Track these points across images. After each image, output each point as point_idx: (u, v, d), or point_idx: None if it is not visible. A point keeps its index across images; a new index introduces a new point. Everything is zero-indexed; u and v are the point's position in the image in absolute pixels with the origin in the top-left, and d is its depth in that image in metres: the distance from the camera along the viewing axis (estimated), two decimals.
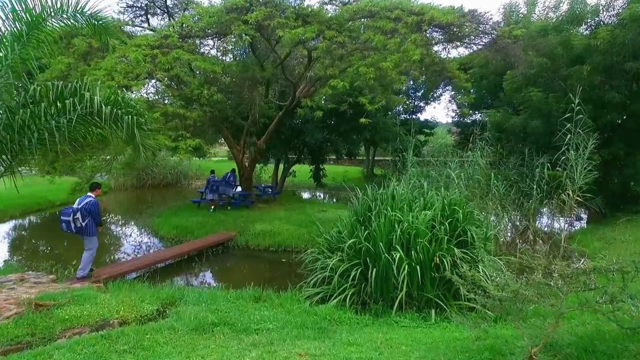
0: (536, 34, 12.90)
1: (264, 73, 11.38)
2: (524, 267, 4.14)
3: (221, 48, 11.81)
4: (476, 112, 20.90)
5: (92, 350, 3.70)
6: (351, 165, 29.79)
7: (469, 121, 21.65)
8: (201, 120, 9.89)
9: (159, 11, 12.14)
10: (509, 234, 10.97)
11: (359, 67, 8.03)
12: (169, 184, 23.22)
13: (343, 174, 23.36)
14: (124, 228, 13.85)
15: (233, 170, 14.72)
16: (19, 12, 4.61)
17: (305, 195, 21.18)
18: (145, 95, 10.72)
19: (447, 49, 10.24)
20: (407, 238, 5.72)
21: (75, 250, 10.33)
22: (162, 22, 12.51)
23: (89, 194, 7.08)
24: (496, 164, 12.35)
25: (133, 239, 11.76)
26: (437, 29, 8.74)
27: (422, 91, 24.46)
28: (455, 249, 5.48)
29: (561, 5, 16.22)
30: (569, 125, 8.99)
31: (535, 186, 10.56)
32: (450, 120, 25.55)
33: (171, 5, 12.19)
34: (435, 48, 10.88)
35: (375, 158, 28.31)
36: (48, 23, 5.10)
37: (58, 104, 4.42)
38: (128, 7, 11.84)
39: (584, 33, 13.69)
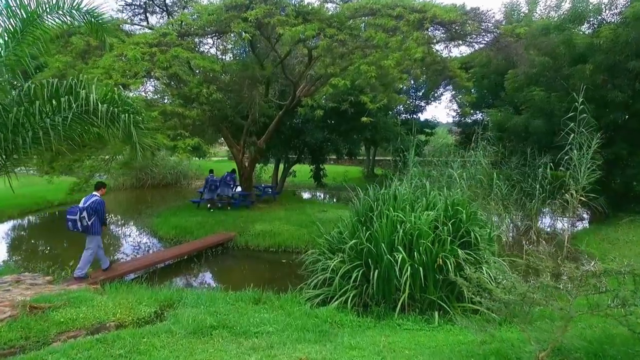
0: (538, 33, 12.80)
1: (263, 72, 11.28)
2: (528, 268, 4.07)
3: (221, 47, 11.71)
4: (477, 112, 20.83)
5: (87, 354, 3.61)
6: (351, 165, 29.70)
7: (469, 121, 21.60)
8: (200, 120, 9.79)
9: (157, 9, 12.05)
10: (511, 235, 10.86)
11: (360, 66, 7.93)
12: (168, 184, 23.13)
13: (343, 173, 23.28)
14: (122, 228, 13.74)
15: (233, 171, 14.61)
16: (13, 7, 4.50)
17: (306, 195, 21.08)
18: (143, 94, 10.60)
19: (448, 48, 10.13)
20: (409, 239, 5.62)
21: (73, 251, 10.22)
22: (161, 21, 12.44)
23: (94, 193, 7.12)
24: (498, 164, 12.25)
25: (132, 240, 11.66)
26: (439, 27, 8.64)
27: (423, 91, 24.35)
28: (458, 250, 5.37)
29: (563, 4, 16.15)
30: (572, 124, 8.90)
31: (537, 186, 10.46)
32: (450, 120, 25.48)
33: (170, 4, 12.11)
34: (437, 47, 10.80)
35: (376, 158, 28.20)
36: (44, 19, 5.01)
37: (53, 102, 4.33)
38: (127, 5, 11.75)
39: (586, 32, 13.61)
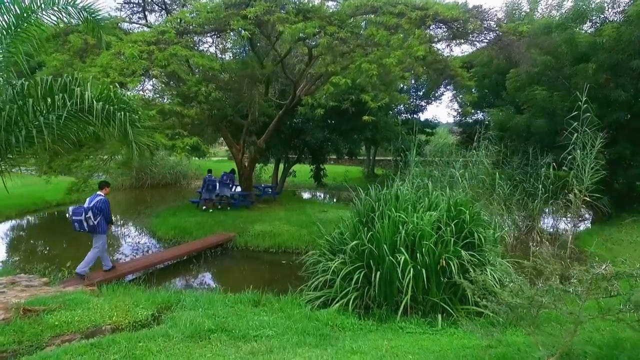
0: (540, 32, 12.70)
1: (263, 70, 11.16)
2: (533, 270, 3.96)
3: (220, 45, 11.61)
4: (478, 112, 20.73)
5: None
6: (352, 165, 29.60)
7: (470, 121, 21.50)
8: (199, 119, 9.68)
9: (156, 8, 11.94)
10: (513, 235, 10.76)
11: (362, 64, 7.82)
12: (168, 184, 23.02)
13: (344, 173, 23.17)
14: (121, 229, 13.63)
15: (232, 171, 14.52)
16: (6, 2, 4.39)
17: (306, 195, 20.98)
18: (142, 93, 10.48)
19: (450, 46, 10.02)
20: (411, 240, 5.51)
21: (70, 252, 10.13)
22: (160, 19, 12.31)
23: (98, 192, 7.12)
24: (499, 164, 12.16)
25: (130, 240, 11.54)
26: (441, 25, 8.53)
27: (423, 90, 24.24)
28: (462, 251, 5.26)
29: (564, 3, 16.06)
30: (575, 123, 8.79)
31: (540, 186, 10.35)
32: (451, 120, 25.37)
33: (169, 2, 11.99)
34: (438, 46, 10.70)
35: (376, 158, 28.10)
36: (39, 16, 4.90)
37: (48, 100, 4.22)
38: (125, 3, 11.63)
39: (589, 31, 13.52)
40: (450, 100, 24.52)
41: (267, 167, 20.55)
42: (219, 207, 13.52)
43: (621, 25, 11.49)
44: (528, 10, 18.42)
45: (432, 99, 25.41)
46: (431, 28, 8.48)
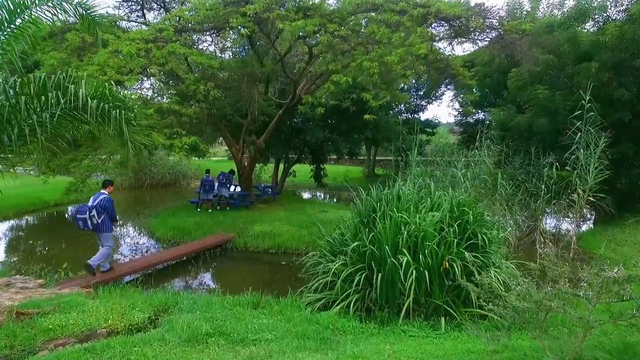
0: (542, 31, 12.59)
1: (263, 69, 11.05)
2: (536, 271, 3.86)
3: (219, 44, 11.50)
4: (479, 111, 20.62)
5: None
6: (352, 165, 29.49)
7: (471, 120, 21.39)
8: (197, 118, 9.56)
9: (155, 6, 11.82)
10: (515, 236, 10.65)
11: (363, 62, 7.70)
12: (167, 184, 22.93)
13: (344, 173, 23.07)
14: (119, 229, 13.52)
15: (231, 171, 14.42)
16: None
17: (306, 195, 20.87)
18: (140, 92, 10.37)
19: (451, 45, 9.91)
20: (414, 241, 5.40)
21: (68, 253, 10.04)
22: (159, 17, 12.18)
23: (102, 191, 7.15)
24: (501, 164, 12.05)
25: (128, 241, 11.44)
26: (443, 22, 8.41)
27: (424, 90, 24.13)
28: (466, 252, 5.15)
29: (566, 1, 15.95)
30: (579, 123, 8.69)
31: (543, 186, 10.24)
32: (451, 119, 25.25)
33: (168, 0, 11.87)
34: (440, 45, 10.59)
35: (377, 158, 28.00)
36: (33, 12, 4.80)
37: (42, 98, 4.11)
38: (123, 1, 11.52)
39: (591, 30, 13.41)
40: (451, 100, 24.37)
41: (267, 167, 20.45)
42: (218, 207, 13.43)
43: (624, 23, 11.38)
44: (529, 9, 18.32)
45: (433, 98, 25.29)
46: (433, 26, 8.36)
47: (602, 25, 12.69)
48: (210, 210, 13.06)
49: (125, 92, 7.43)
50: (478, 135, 10.47)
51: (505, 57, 15.63)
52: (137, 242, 11.15)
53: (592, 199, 8.21)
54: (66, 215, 15.79)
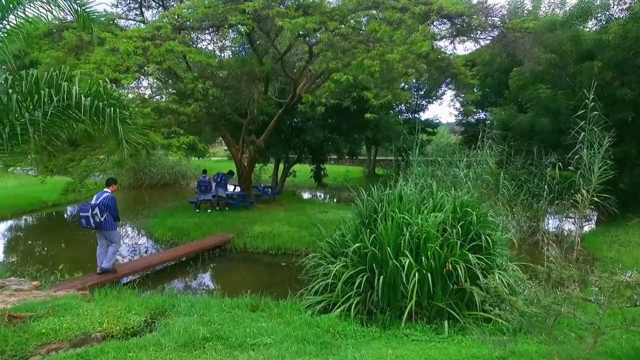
0: (544, 29, 12.48)
1: (262, 68, 10.93)
2: (542, 274, 3.75)
3: (219, 43, 11.39)
4: (480, 111, 20.52)
5: None
6: (352, 165, 29.37)
7: (473, 120, 21.29)
8: (196, 117, 9.44)
9: (154, 4, 11.71)
10: (517, 236, 10.54)
11: (364, 60, 7.58)
12: (167, 184, 22.82)
13: (344, 173, 22.96)
14: (118, 229, 13.41)
15: (230, 172, 14.32)
16: None
17: (306, 195, 20.76)
18: (137, 90, 10.25)
19: (453, 43, 9.80)
20: (416, 242, 5.29)
21: (65, 254, 9.93)
22: (157, 16, 12.08)
23: (105, 189, 7.17)
24: (503, 163, 11.95)
25: (127, 242, 11.32)
26: (445, 20, 8.30)
27: (425, 89, 24.01)
28: (469, 254, 5.04)
29: (568, 0, 15.83)
30: (582, 122, 8.58)
31: (545, 186, 10.13)
32: (452, 119, 25.15)
33: None
34: (441, 43, 10.49)
35: (377, 158, 27.88)
36: (26, 8, 4.68)
37: (34, 96, 4.00)
38: None
39: (593, 28, 13.31)
40: (452, 100, 24.23)
41: (267, 167, 20.34)
42: (217, 207, 13.33)
43: (627, 22, 11.28)
44: (531, 8, 18.22)
45: (433, 98, 25.18)
46: (435, 24, 8.25)
47: (605, 23, 12.60)
48: (209, 210, 12.95)
49: (123, 91, 7.30)
50: (480, 135, 10.37)
51: (506, 56, 15.53)
52: (136, 243, 11.04)
53: (596, 199, 8.12)
54: (65, 215, 15.69)
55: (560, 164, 10.00)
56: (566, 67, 12.97)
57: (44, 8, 4.86)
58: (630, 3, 12.05)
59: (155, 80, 11.49)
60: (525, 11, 18.16)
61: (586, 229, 12.73)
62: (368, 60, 7.48)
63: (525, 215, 10.71)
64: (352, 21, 8.64)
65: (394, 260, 5.07)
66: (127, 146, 4.02)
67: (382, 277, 5.10)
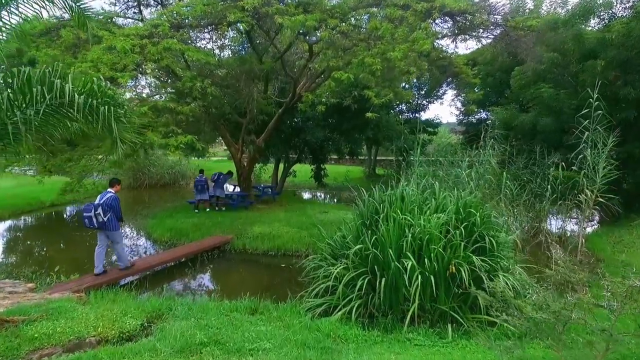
0: (546, 28, 12.37)
1: (262, 66, 10.80)
2: (546, 275, 3.64)
3: (218, 42, 11.28)
4: (481, 110, 20.41)
5: None
6: (353, 165, 29.26)
7: (474, 120, 21.19)
8: (194, 116, 9.31)
9: (152, 2, 11.60)
10: (520, 237, 10.41)
11: (365, 58, 7.46)
12: (166, 184, 22.72)
13: (345, 173, 22.85)
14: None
15: (229, 172, 14.21)
16: None
17: (306, 195, 20.65)
18: (134, 89, 10.12)
19: (455, 42, 9.67)
20: (418, 244, 5.17)
21: (63, 254, 9.81)
22: (156, 14, 11.95)
23: (109, 189, 7.20)
24: (505, 163, 11.83)
25: (125, 243, 11.16)
26: (447, 18, 8.18)
27: (426, 89, 23.90)
28: (473, 256, 4.92)
29: None
30: (586, 122, 8.47)
31: (548, 186, 10.01)
32: (452, 119, 25.03)
33: None
34: (442, 42, 10.37)
35: (377, 158, 27.77)
36: (19, 4, 4.57)
37: (26, 93, 3.89)
38: None
39: (596, 27, 13.20)
40: (452, 100, 24.10)
41: (267, 166, 20.23)
42: (217, 208, 13.23)
43: (630, 20, 11.16)
44: (532, 7, 18.10)
45: (434, 97, 25.07)
46: (436, 22, 8.12)
47: (608, 22, 12.48)
48: (208, 210, 12.85)
49: (120, 90, 7.18)
50: (483, 135, 10.26)
51: (508, 56, 15.41)
52: (134, 244, 10.92)
53: (601, 199, 8.00)
54: (65, 215, 15.59)
55: (563, 163, 9.89)
56: (568, 66, 12.86)
57: (37, 4, 4.77)
58: (633, 1, 11.93)
59: (153, 80, 11.38)
60: (527, 10, 18.05)
61: (589, 229, 12.61)
62: (369, 59, 7.35)
63: (527, 215, 10.60)
64: (352, 19, 8.51)
65: (396, 263, 4.96)
66: (122, 145, 3.90)
67: (384, 279, 4.98)
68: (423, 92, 24.31)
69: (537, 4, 17.95)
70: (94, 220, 6.78)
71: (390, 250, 5.07)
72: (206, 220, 11.41)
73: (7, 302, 5.06)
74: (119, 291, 6.04)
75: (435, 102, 25.46)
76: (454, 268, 4.90)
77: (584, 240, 8.54)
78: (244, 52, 13.93)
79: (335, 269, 5.47)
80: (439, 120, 25.97)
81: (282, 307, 5.42)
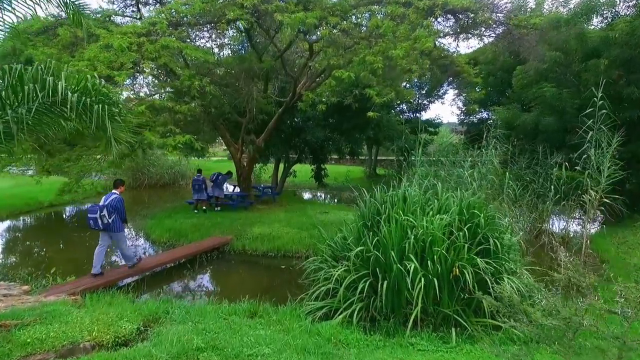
0: (549, 27, 12.25)
1: (262, 65, 10.68)
2: (553, 279, 3.52)
3: (218, 40, 11.16)
4: (482, 110, 20.28)
5: None
6: (353, 165, 29.17)
7: (475, 120, 21.07)
8: (193, 115, 9.20)
9: (151, 0, 11.49)
10: (523, 238, 10.30)
11: (366, 56, 7.34)
12: (166, 184, 22.62)
13: (345, 173, 22.73)
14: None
15: (228, 172, 14.10)
16: None
17: (306, 195, 20.54)
18: (130, 87, 9.99)
19: (457, 41, 9.55)
20: (421, 246, 5.06)
21: (60, 256, 9.69)
22: (154, 12, 11.82)
23: (113, 190, 7.24)
24: (507, 163, 11.72)
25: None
26: (449, 16, 8.06)
27: (426, 88, 23.78)
28: (478, 259, 4.81)
29: None
30: (590, 121, 8.35)
31: (552, 187, 9.90)
32: (453, 119, 24.93)
33: None
34: (444, 41, 10.25)
35: (378, 158, 27.67)
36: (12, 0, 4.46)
37: (18, 91, 3.77)
38: None
39: (599, 26, 13.09)
40: (453, 99, 24.00)
41: (267, 166, 20.12)
42: (217, 208, 13.13)
43: (634, 19, 11.04)
44: (534, 6, 17.98)
45: (435, 97, 24.95)
46: (438, 20, 8.00)
47: (611, 21, 12.36)
48: (204, 208, 12.75)
49: (117, 89, 7.08)
50: (485, 135, 10.15)
51: (509, 55, 15.28)
52: (132, 245, 10.77)
53: (606, 200, 7.89)
54: (64, 215, 15.48)
55: (566, 163, 9.78)
56: (571, 65, 12.74)
57: (32, 0, 4.66)
58: (637, 0, 11.81)
59: (152, 79, 11.27)
60: (529, 9, 17.93)
61: (592, 230, 12.49)
62: (370, 57, 7.23)
63: (530, 216, 10.49)
64: (353, 17, 8.40)
65: (398, 265, 4.86)
66: (117, 145, 3.79)
67: (385, 282, 4.87)
68: (424, 92, 24.21)
69: (539, 3, 17.84)
70: (99, 221, 6.81)
71: (393, 252, 4.97)
72: (205, 220, 11.30)
73: (1, 305, 4.95)
74: (115, 293, 5.93)
75: (436, 101, 25.37)
76: (457, 270, 4.79)
77: (588, 242, 8.42)
78: (243, 52, 13.82)
79: (336, 271, 5.37)
80: (439, 120, 25.86)
81: (281, 310, 5.31)
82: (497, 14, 8.64)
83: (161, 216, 12.49)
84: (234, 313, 5.15)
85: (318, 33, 8.62)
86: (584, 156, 8.42)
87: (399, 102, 20.27)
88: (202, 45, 11.40)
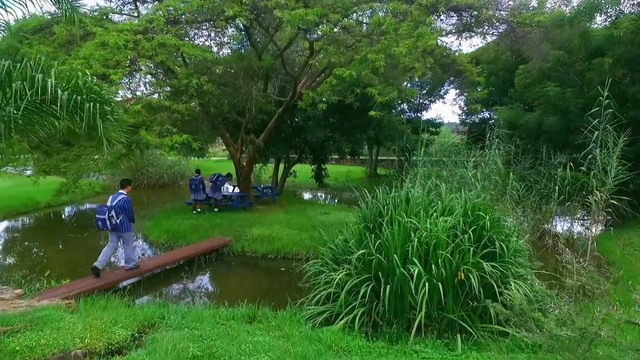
0: (552, 25, 12.10)
1: (261, 63, 10.52)
2: (554, 281, 3.37)
3: (216, 39, 11.01)
4: (484, 110, 20.13)
5: None
6: (353, 165, 29.01)
7: (477, 120, 20.94)
8: (191, 115, 9.04)
9: None
10: (528, 240, 10.14)
11: (367, 54, 7.18)
12: (165, 185, 22.44)
13: (346, 174, 22.57)
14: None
15: (228, 174, 13.95)
16: None
17: (307, 196, 20.38)
18: (126, 86, 9.83)
19: (459, 39, 9.40)
20: (425, 249, 4.91)
21: (56, 258, 9.54)
22: (151, 10, 11.66)
23: (120, 191, 7.29)
24: (510, 164, 11.57)
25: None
26: (452, 14, 7.90)
27: (428, 88, 23.63)
28: (483, 262, 4.65)
29: None
30: (596, 121, 8.20)
31: (556, 187, 9.74)
32: (454, 119, 24.78)
33: None
34: (446, 39, 10.10)
35: (378, 158, 27.52)
36: None
37: (6, 89, 3.63)
38: None
39: (602, 24, 12.96)
40: (454, 99, 23.86)
41: (267, 167, 19.97)
42: (215, 210, 12.98)
43: (639, 17, 10.89)
44: (536, 5, 17.83)
45: (436, 97, 24.80)
46: (441, 18, 7.85)
47: (615, 19, 12.22)
48: (199, 210, 12.60)
49: (113, 87, 6.92)
50: (488, 135, 9.99)
51: (512, 54, 15.14)
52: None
53: (613, 201, 7.74)
54: (62, 216, 15.33)
55: (571, 164, 9.63)
56: (574, 64, 12.60)
57: None
58: None
59: (149, 77, 11.11)
60: (531, 8, 17.79)
61: (596, 231, 12.32)
62: (372, 55, 7.06)
63: (534, 217, 10.34)
64: (354, 14, 8.24)
65: (401, 269, 4.70)
66: (109, 145, 3.64)
67: (388, 286, 4.71)
68: (425, 92, 24.06)
69: (542, 1, 17.69)
70: (108, 222, 6.84)
71: (395, 256, 4.81)
72: (204, 222, 11.15)
73: None
74: (111, 297, 5.79)
75: (437, 101, 25.23)
76: (462, 275, 4.63)
77: (595, 244, 8.26)
78: (243, 50, 13.66)
79: (337, 275, 5.21)
80: (440, 120, 25.71)
81: (281, 315, 5.17)
82: (500, 12, 8.47)
83: (160, 217, 12.33)
84: (232, 318, 5.01)
85: (319, 31, 8.47)
86: (589, 156, 8.27)
87: (400, 101, 20.12)
88: (201, 43, 11.25)
